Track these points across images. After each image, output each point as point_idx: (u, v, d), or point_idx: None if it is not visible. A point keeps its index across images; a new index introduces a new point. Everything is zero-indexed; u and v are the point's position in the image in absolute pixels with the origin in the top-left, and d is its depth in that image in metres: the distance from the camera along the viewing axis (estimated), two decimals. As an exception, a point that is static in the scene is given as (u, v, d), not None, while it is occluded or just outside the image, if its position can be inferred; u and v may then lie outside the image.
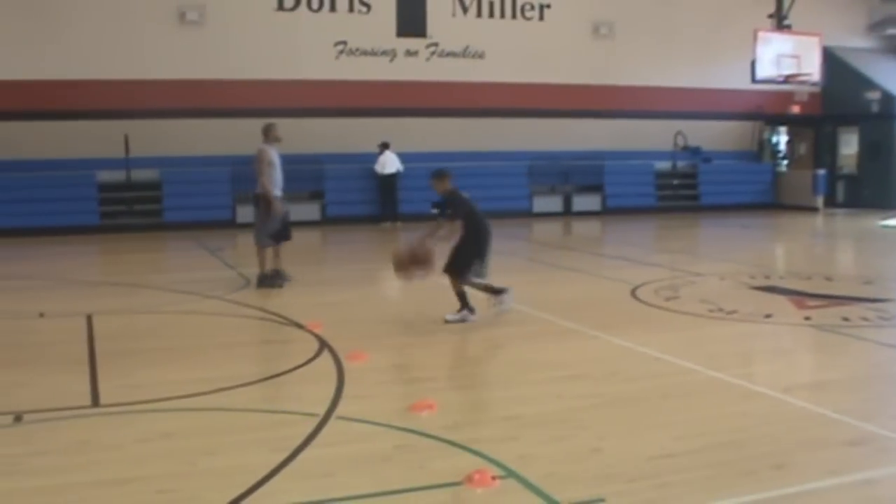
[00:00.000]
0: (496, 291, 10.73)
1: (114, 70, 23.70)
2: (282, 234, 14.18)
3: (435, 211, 10.61)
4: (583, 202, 28.46)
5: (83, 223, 23.17)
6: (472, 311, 10.72)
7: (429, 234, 10.67)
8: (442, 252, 10.71)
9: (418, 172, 25.51)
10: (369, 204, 25.83)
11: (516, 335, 10.05)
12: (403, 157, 25.87)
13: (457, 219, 10.56)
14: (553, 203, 28.36)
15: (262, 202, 13.89)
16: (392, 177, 25.40)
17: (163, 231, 23.57)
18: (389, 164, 25.32)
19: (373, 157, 25.53)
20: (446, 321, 10.58)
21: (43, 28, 23.31)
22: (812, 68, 26.83)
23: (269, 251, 14.04)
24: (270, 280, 13.70)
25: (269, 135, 14.00)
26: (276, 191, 13.85)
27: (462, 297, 10.73)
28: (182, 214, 24.12)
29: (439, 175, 10.87)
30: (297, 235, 23.37)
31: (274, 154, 13.92)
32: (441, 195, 10.90)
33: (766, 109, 30.59)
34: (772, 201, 30.81)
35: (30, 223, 22.49)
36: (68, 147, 23.50)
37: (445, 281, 10.48)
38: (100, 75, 23.60)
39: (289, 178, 24.93)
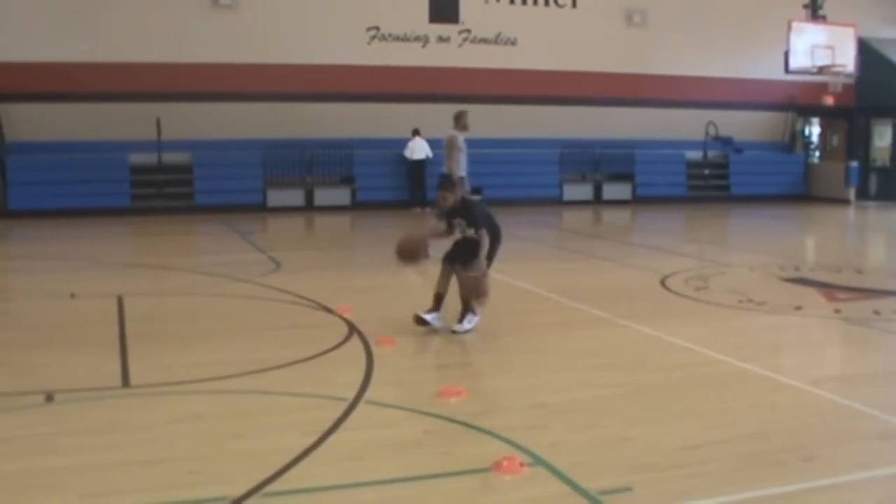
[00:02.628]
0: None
1: (147, 53, 23.83)
2: None
3: (457, 226, 9.79)
4: (613, 191, 28.36)
5: (115, 205, 23.32)
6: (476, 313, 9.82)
7: (430, 235, 10.10)
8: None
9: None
10: (399, 189, 25.84)
11: (546, 323, 10.04)
12: (434, 144, 25.83)
13: (485, 232, 9.68)
14: (583, 191, 28.28)
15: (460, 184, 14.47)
16: (420, 163, 25.40)
17: (194, 214, 23.67)
18: (418, 150, 25.33)
19: (404, 143, 25.55)
20: (455, 332, 9.55)
21: (77, 11, 23.45)
22: (846, 59, 26.60)
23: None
24: None
25: (459, 122, 14.73)
26: (463, 173, 14.80)
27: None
28: (213, 198, 24.21)
29: (452, 186, 10.13)
30: (328, 220, 23.64)
31: (461, 140, 14.89)
32: (451, 206, 9.82)
33: (799, 100, 30.39)
34: (803, 193, 30.62)
35: (62, 204, 22.64)
36: (101, 129, 23.63)
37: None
38: (133, 58, 23.73)
39: (320, 163, 25.45)
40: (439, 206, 10.05)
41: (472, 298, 9.58)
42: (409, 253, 9.84)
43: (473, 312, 9.71)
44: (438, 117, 25.74)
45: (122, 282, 12.99)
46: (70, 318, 10.55)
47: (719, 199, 29.39)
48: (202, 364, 8.08)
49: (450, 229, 9.91)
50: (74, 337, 9.41)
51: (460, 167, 14.38)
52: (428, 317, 9.51)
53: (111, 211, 23.03)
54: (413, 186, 25.64)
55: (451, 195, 9.83)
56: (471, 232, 9.64)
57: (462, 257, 9.70)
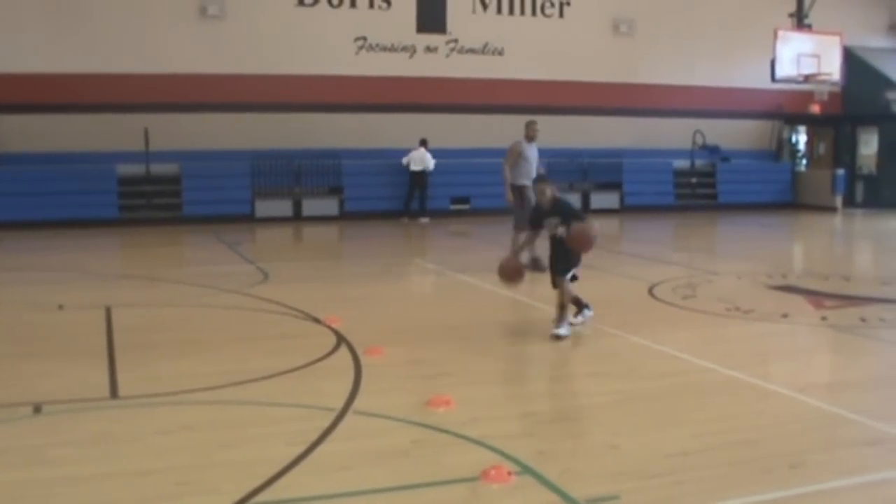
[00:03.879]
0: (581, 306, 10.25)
1: (134, 64, 23.81)
2: (535, 220, 14.41)
3: (547, 226, 9.99)
4: (601, 200, 28.37)
5: (103, 216, 23.27)
6: (587, 305, 10.25)
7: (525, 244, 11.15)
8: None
9: (437, 168, 25.61)
10: (388, 199, 25.84)
11: (533, 332, 10.05)
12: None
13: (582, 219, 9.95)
14: (572, 201, 28.26)
15: (517, 192, 14.96)
16: (419, 174, 25.42)
17: (182, 225, 23.64)
18: (417, 160, 25.34)
19: (393, 153, 25.64)
20: (558, 336, 9.54)
21: (64, 22, 23.42)
22: (832, 68, 26.71)
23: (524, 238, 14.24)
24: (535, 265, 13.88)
25: (526, 131, 15.02)
26: (526, 181, 14.81)
27: (577, 301, 10.14)
28: (201, 208, 24.19)
29: (547, 180, 10.21)
30: (316, 230, 23.63)
31: (526, 148, 14.99)
32: (548, 201, 9.93)
33: (786, 109, 30.49)
34: (790, 201, 30.71)
35: (50, 216, 22.58)
36: (88, 140, 23.61)
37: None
38: (120, 69, 23.71)
39: (308, 173, 25.44)
40: (538, 201, 10.21)
41: (584, 246, 9.73)
42: (509, 275, 10.19)
43: (578, 311, 10.08)
44: (426, 127, 25.88)
45: (111, 293, 12.96)
46: (58, 329, 10.52)
47: (707, 207, 29.47)
48: (190, 375, 8.07)
49: (536, 230, 10.30)
50: (62, 348, 9.39)
51: (521, 175, 14.61)
52: (561, 330, 9.59)
53: (99, 222, 22.97)
54: (408, 196, 25.61)
55: (549, 188, 9.90)
56: (562, 231, 9.72)
57: (561, 259, 9.89)
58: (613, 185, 28.52)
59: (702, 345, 9.48)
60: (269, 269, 14.92)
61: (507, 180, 14.89)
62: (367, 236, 21.89)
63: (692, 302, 12.06)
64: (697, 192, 30.10)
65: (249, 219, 24.66)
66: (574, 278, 9.97)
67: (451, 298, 13.14)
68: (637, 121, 28.89)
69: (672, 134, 29.35)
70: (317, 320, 10.55)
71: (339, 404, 7.05)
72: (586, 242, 9.66)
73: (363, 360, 8.58)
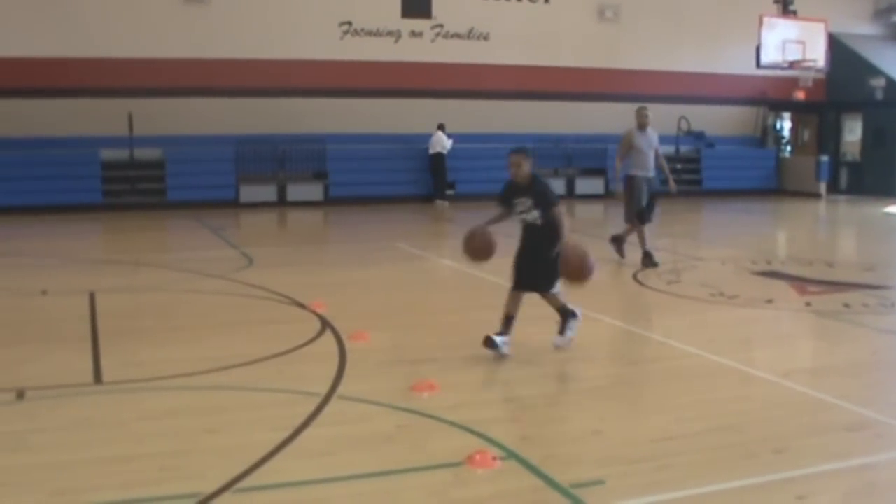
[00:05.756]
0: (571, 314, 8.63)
1: (118, 48, 23.70)
2: (643, 214, 14.20)
3: (517, 207, 8.48)
4: (586, 185, 28.42)
5: (86, 201, 23.17)
6: (575, 315, 8.60)
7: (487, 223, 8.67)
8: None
9: (419, 154, 25.68)
10: (372, 185, 25.85)
11: (519, 318, 10.02)
12: (407, 139, 26.00)
13: (559, 212, 8.31)
14: (556, 186, 28.21)
15: (627, 183, 14.21)
16: (437, 156, 25.79)
17: (166, 210, 23.58)
18: (436, 143, 25.76)
19: (378, 138, 25.77)
20: (559, 346, 8.53)
21: (47, 6, 23.28)
22: (817, 54, 26.80)
23: (644, 230, 14.15)
24: (647, 260, 13.78)
25: (636, 118, 14.24)
26: (638, 172, 14.09)
27: (564, 309, 8.59)
28: (185, 193, 24.11)
29: (525, 152, 8.56)
30: (300, 215, 23.59)
31: (637, 136, 14.07)
32: (522, 178, 8.47)
33: (771, 95, 30.54)
34: (775, 187, 30.78)
35: (33, 201, 22.49)
36: (72, 125, 23.48)
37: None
38: (104, 53, 23.60)
39: (292, 158, 25.37)
40: (511, 175, 8.52)
41: (575, 279, 8.01)
42: (478, 247, 8.60)
43: (573, 316, 8.55)
44: (411, 112, 25.86)
45: (94, 278, 12.91)
46: (41, 314, 10.49)
47: (691, 193, 29.48)
48: (174, 360, 8.05)
49: (505, 211, 8.65)
50: (46, 334, 9.35)
51: (635, 166, 14.02)
52: (498, 339, 8.29)
53: (83, 207, 22.87)
54: (434, 180, 26.14)
55: (526, 162, 8.40)
56: (533, 216, 8.37)
57: (534, 253, 8.46)
58: (598, 171, 28.50)
59: (686, 330, 9.50)
60: (253, 255, 14.89)
61: (619, 171, 14.35)
62: (352, 222, 21.86)
63: (677, 287, 12.08)
64: (682, 177, 29.99)
65: (234, 204, 24.61)
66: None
67: (435, 284, 13.15)
68: (622, 106, 28.77)
69: (657, 120, 29.07)
70: (301, 305, 10.52)
71: (324, 389, 7.04)
72: (583, 272, 7.99)
73: (348, 345, 8.56)
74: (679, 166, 30.10)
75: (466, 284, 12.44)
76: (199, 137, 24.68)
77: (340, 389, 7.11)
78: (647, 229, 14.10)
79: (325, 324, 9.47)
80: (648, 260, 13.64)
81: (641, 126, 14.13)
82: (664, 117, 29.28)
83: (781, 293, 11.68)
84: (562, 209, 8.31)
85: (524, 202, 8.38)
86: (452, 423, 6.27)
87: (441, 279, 13.57)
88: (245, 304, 11.05)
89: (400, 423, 6.35)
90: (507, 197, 8.57)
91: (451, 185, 26.28)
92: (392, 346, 8.88)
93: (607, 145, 28.25)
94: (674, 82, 29.15)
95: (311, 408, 6.58)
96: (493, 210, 8.65)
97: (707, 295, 11.49)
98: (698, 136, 30.19)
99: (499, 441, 5.89)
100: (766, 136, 32.42)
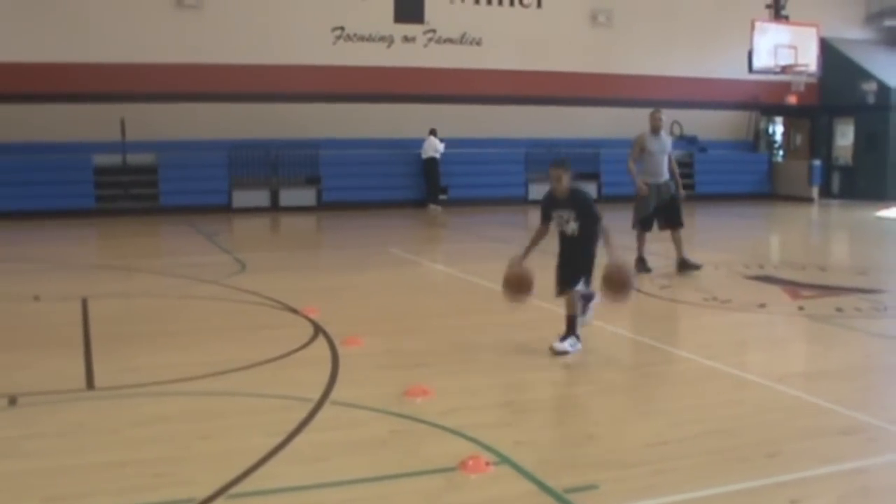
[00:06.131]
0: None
1: (111, 53, 23.68)
2: (647, 221, 14.11)
3: (555, 220, 8.62)
4: (579, 190, 28.39)
5: (79, 206, 23.12)
6: (579, 338, 8.63)
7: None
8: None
9: (413, 158, 25.72)
10: (365, 190, 25.83)
11: (511, 323, 10.01)
12: (401, 143, 26.02)
13: (601, 227, 8.56)
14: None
15: (636, 189, 13.98)
16: (430, 161, 25.75)
17: (159, 215, 23.55)
18: (428, 148, 25.71)
19: (371, 143, 25.85)
20: (556, 351, 8.44)
21: (40, 10, 23.26)
22: (809, 59, 26.84)
23: (645, 237, 14.13)
24: (689, 267, 13.65)
25: (650, 122, 14.03)
26: (647, 178, 13.85)
27: (573, 318, 8.64)
28: (178, 198, 24.10)
29: (564, 164, 8.57)
30: (293, 220, 23.58)
31: (650, 140, 13.85)
32: (561, 194, 8.55)
33: (763, 99, 30.59)
34: (768, 191, 30.83)
35: (26, 206, 22.43)
36: (65, 130, 23.46)
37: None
38: (97, 58, 23.58)
39: (285, 163, 25.36)
40: (550, 189, 8.61)
41: (622, 293, 8.33)
42: (516, 285, 8.52)
43: (576, 335, 8.56)
44: (404, 117, 25.89)
45: (87, 284, 12.89)
46: (34, 320, 10.46)
47: (684, 197, 29.45)
48: (167, 366, 8.03)
49: (545, 228, 8.72)
50: (38, 339, 9.33)
51: (641, 171, 13.67)
52: (564, 345, 8.42)
53: (76, 212, 22.82)
54: (427, 185, 26.05)
55: (566, 175, 8.46)
56: (572, 228, 8.51)
57: (573, 267, 8.58)
58: (591, 175, 28.49)
59: (680, 335, 9.52)
60: (246, 260, 14.88)
61: (634, 174, 13.94)
62: (345, 226, 21.86)
63: (670, 292, 12.09)
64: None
65: (226, 209, 24.60)
66: (588, 298, 8.84)
67: (428, 289, 13.14)
68: (615, 111, 28.87)
69: (649, 125, 29.31)
70: (294, 310, 10.51)
71: (317, 395, 7.03)
72: (625, 288, 8.34)
73: (341, 350, 8.56)
74: (671, 171, 30.15)
75: (459, 289, 12.44)
76: (192, 142, 24.69)
77: (333, 395, 7.10)
78: (647, 236, 14.13)
79: (318, 329, 9.46)
80: (641, 265, 13.58)
81: (655, 129, 13.96)
82: (657, 122, 29.37)
83: (774, 297, 11.69)
84: (606, 223, 8.53)
85: (564, 214, 8.54)
86: (445, 429, 6.27)
87: (434, 284, 13.57)
88: (238, 309, 11.05)
89: (393, 429, 6.34)
90: (547, 210, 8.67)
91: (444, 190, 26.29)
92: (385, 351, 8.87)
93: (600, 150, 28.37)
94: (666, 87, 29.16)
95: (304, 413, 6.57)
96: (518, 227, 8.83)
97: (700, 299, 11.51)
98: (691, 141, 30.23)
99: (492, 446, 5.88)
100: (758, 141, 32.48)
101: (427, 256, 16.63)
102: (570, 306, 8.57)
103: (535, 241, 8.72)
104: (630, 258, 10.90)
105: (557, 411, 6.91)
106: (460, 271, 13.62)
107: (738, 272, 13.78)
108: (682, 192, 14.56)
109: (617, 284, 8.25)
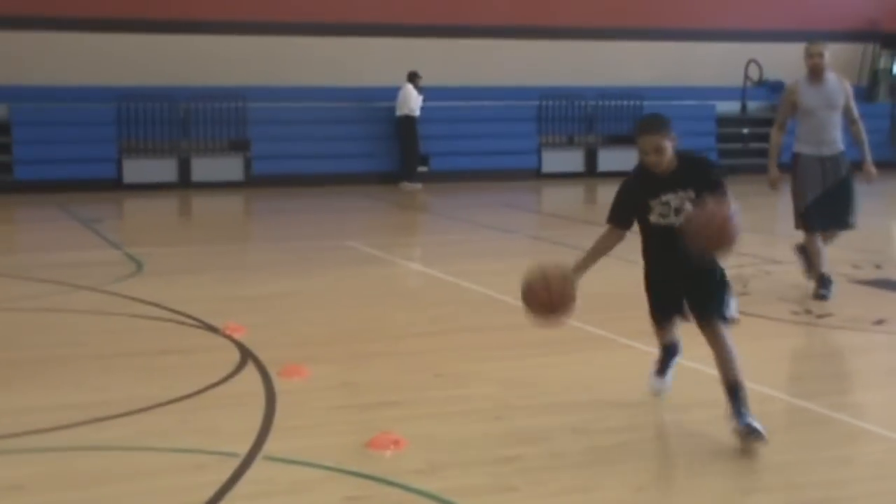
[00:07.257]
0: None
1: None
2: (810, 215, 12.85)
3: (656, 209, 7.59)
4: (613, 159, 28.10)
5: None
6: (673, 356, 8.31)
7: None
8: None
9: (383, 115, 25.61)
10: (313, 159, 25.75)
11: (518, 344, 10.00)
12: (362, 94, 25.90)
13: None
14: (571, 160, 28.31)
15: (792, 166, 13.00)
16: (403, 120, 25.48)
17: (13, 193, 23.48)
18: (403, 102, 25.41)
19: (320, 92, 25.68)
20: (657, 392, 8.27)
21: None
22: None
23: (815, 240, 12.71)
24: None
25: (806, 62, 12.20)
26: (805, 148, 12.72)
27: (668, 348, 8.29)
28: (42, 170, 24.04)
29: (667, 128, 7.66)
30: (211, 201, 23.56)
31: (804, 92, 12.33)
32: (665, 170, 7.65)
33: (884, 26, 30.60)
34: (887, 157, 30.80)
35: None
36: None
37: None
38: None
39: (200, 121, 25.26)
40: (641, 164, 7.78)
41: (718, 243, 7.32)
42: (554, 299, 7.54)
43: (662, 364, 8.28)
44: (367, 57, 25.77)
45: None
46: None
47: (765, 167, 29.48)
48: (28, 409, 8.01)
49: (622, 233, 7.97)
50: None
51: (797, 138, 12.56)
52: (657, 385, 8.21)
53: None
54: (401, 153, 25.80)
55: (669, 140, 7.62)
56: (679, 218, 7.53)
57: (697, 282, 7.97)
58: (630, 139, 28.37)
59: (759, 364, 9.49)
60: (143, 257, 14.88)
61: (773, 149, 13.07)
62: (284, 210, 21.88)
63: (743, 302, 12.06)
64: (751, 146, 30.12)
65: (115, 185, 24.52)
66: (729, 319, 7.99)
67: (399, 297, 13.16)
68: (664, 47, 28.90)
69: (714, 65, 29.41)
70: (212, 328, 10.54)
71: (244, 448, 7.02)
72: (724, 236, 7.30)
73: (277, 383, 8.58)
74: (746, 131, 30.22)
75: (441, 298, 12.47)
76: (61, 89, 24.56)
77: (267, 447, 7.10)
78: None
79: (246, 354, 9.47)
80: (823, 285, 12.26)
81: (814, 73, 12.26)
82: (726, 62, 29.40)
83: (896, 311, 11.74)
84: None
85: (674, 200, 7.59)
86: (423, 493, 6.27)
87: (408, 291, 13.59)
88: (131, 326, 11.05)
89: (350, 495, 6.35)
90: (639, 200, 7.71)
91: (425, 160, 26.19)
92: (339, 385, 8.87)
93: (644, 102, 28.27)
94: (738, 11, 29.19)
95: (225, 475, 6.55)
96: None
97: (787, 313, 11.53)
98: (774, 88, 30.22)
99: (491, 520, 5.90)
100: (876, 85, 32.45)
101: (399, 252, 16.64)
102: (718, 337, 7.74)
103: (602, 251, 7.99)
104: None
105: (581, 469, 6.88)
106: (444, 273, 13.64)
107: (844, 274, 13.75)
108: (873, 171, 13.24)
109: (708, 224, 7.14)
